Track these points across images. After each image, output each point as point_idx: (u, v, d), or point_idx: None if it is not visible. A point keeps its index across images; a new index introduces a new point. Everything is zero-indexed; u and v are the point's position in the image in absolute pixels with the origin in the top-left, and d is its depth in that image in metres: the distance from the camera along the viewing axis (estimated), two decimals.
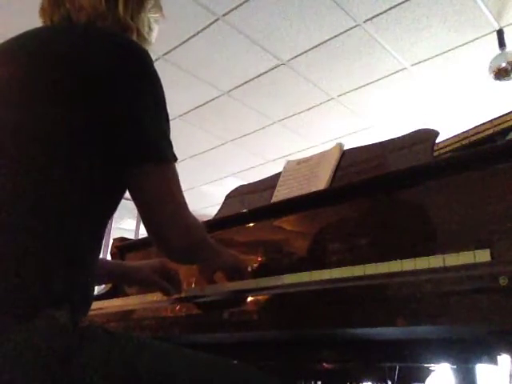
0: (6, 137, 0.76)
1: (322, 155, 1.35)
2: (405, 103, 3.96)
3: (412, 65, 3.47)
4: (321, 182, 1.26)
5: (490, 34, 3.12)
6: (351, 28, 3.09)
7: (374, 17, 2.98)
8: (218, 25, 3.05)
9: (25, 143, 0.75)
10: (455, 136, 1.44)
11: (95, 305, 1.31)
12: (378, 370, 1.19)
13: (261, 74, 3.59)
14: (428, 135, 1.13)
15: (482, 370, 0.96)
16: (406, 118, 4.12)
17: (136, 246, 1.67)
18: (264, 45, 3.26)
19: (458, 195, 0.89)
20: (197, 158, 5.01)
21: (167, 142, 0.84)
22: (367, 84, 3.69)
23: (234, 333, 0.95)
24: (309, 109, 4.04)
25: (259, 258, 1.21)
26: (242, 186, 1.62)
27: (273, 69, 3.52)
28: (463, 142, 1.41)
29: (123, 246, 1.68)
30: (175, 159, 0.85)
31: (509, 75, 3.10)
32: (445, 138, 1.43)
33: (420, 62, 3.44)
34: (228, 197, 1.62)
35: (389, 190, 1.02)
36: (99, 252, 0.84)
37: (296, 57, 3.39)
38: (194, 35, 3.15)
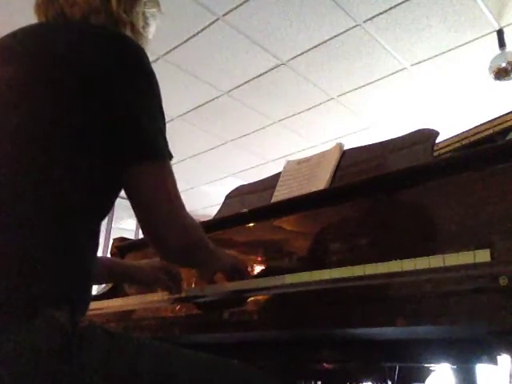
0: (5, 137, 0.76)
1: (322, 155, 1.35)
2: (405, 103, 3.96)
3: (412, 65, 3.47)
4: (321, 182, 1.26)
5: (489, 33, 3.12)
6: (351, 28, 3.09)
7: (374, 17, 2.98)
8: (218, 25, 3.05)
9: (24, 143, 0.75)
10: (455, 136, 1.44)
11: (95, 305, 1.31)
12: (378, 370, 1.19)
13: (261, 74, 3.59)
14: (428, 135, 1.13)
15: (482, 370, 0.96)
16: (406, 118, 4.12)
17: (136, 246, 1.67)
18: (264, 45, 3.26)
19: (457, 195, 0.89)
20: (197, 158, 5.01)
21: (164, 140, 0.84)
22: (367, 84, 3.69)
23: (234, 333, 0.95)
24: (309, 109, 4.04)
25: (259, 258, 1.21)
26: (241, 186, 1.62)
27: (273, 69, 3.52)
28: (463, 142, 1.41)
29: (123, 246, 1.69)
30: (171, 157, 0.84)
31: (509, 75, 3.10)
32: (445, 138, 1.43)
33: (420, 62, 3.44)
34: (228, 197, 1.62)
35: (389, 190, 1.02)
36: (97, 251, 0.83)
37: (296, 57, 3.39)
38: (193, 35, 3.15)
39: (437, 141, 1.15)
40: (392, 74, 3.57)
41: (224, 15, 2.97)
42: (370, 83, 3.68)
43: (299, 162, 1.41)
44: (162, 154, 0.82)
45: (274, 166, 4.86)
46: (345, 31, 3.12)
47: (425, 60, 3.41)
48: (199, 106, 4.03)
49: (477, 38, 3.17)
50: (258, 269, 1.19)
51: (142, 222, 0.84)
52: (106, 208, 0.85)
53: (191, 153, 4.88)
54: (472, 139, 1.40)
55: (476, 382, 0.97)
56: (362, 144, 1.31)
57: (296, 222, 1.21)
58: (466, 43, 3.22)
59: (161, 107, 0.85)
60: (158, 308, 1.17)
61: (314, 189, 1.25)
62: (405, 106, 3.99)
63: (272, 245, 1.22)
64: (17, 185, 0.73)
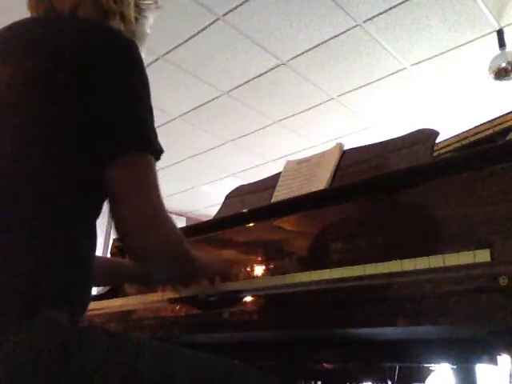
0: (5, 137, 0.76)
1: (322, 155, 1.35)
2: (405, 103, 3.96)
3: (412, 65, 3.47)
4: (321, 182, 1.26)
5: (489, 33, 3.12)
6: (351, 28, 3.09)
7: (374, 17, 2.98)
8: (218, 25, 3.05)
9: (24, 143, 0.75)
10: (455, 136, 1.44)
11: (95, 305, 1.31)
12: (377, 370, 1.19)
13: (261, 74, 3.59)
14: (428, 135, 1.13)
15: (482, 369, 0.96)
16: (406, 118, 4.12)
17: None
18: (264, 45, 3.26)
19: (457, 195, 0.89)
20: (197, 158, 5.01)
21: (153, 133, 0.82)
22: (367, 84, 3.69)
23: (234, 333, 0.95)
24: (309, 109, 4.04)
25: (259, 258, 1.21)
26: (241, 186, 1.62)
27: (273, 69, 3.52)
28: (463, 142, 1.41)
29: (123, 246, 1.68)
30: (162, 151, 0.82)
31: (509, 75, 3.10)
32: (445, 138, 1.43)
33: (420, 62, 3.44)
34: (228, 197, 1.62)
35: (389, 190, 1.02)
36: (95, 251, 0.83)
37: (296, 57, 3.39)
38: (194, 35, 3.15)
39: (437, 141, 1.16)
40: (392, 73, 3.57)
41: (224, 15, 2.97)
42: (370, 83, 3.68)
43: (299, 162, 1.41)
44: (153, 146, 0.80)
45: (274, 165, 4.86)
46: (345, 31, 3.12)
47: (425, 60, 3.41)
48: (199, 106, 4.03)
49: (477, 38, 3.17)
50: (257, 269, 1.19)
51: (121, 223, 0.79)
52: (101, 207, 0.84)
53: (191, 153, 4.88)
54: (472, 139, 1.40)
55: (476, 382, 0.97)
56: (362, 144, 1.31)
57: (296, 222, 1.21)
58: (466, 43, 3.22)
59: (150, 100, 0.83)
60: (158, 308, 1.17)
61: (314, 189, 1.25)
62: (405, 106, 3.99)
63: (272, 245, 1.22)
64: (17, 185, 0.73)
